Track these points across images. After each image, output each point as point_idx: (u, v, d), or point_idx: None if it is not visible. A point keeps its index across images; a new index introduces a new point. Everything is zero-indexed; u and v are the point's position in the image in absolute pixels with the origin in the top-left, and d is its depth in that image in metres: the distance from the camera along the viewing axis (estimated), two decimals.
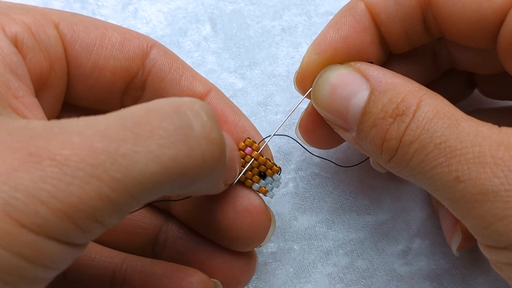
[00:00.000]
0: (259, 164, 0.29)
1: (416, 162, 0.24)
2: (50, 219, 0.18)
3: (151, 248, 0.30)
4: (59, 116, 0.28)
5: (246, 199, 0.28)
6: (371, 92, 0.25)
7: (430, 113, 0.24)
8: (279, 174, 0.29)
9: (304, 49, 0.39)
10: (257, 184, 0.28)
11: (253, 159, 0.28)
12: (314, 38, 0.38)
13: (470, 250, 0.35)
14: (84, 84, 0.27)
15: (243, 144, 0.28)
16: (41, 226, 0.17)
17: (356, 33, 0.28)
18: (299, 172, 0.36)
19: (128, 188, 0.19)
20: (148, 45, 0.28)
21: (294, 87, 0.30)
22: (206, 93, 0.29)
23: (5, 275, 0.17)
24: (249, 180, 0.28)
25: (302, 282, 0.34)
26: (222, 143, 0.22)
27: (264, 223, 0.28)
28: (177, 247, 0.30)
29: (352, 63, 0.27)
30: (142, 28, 0.39)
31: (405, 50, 0.29)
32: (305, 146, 0.32)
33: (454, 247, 0.32)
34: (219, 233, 0.28)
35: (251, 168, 0.28)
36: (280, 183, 0.30)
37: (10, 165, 0.18)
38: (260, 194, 0.29)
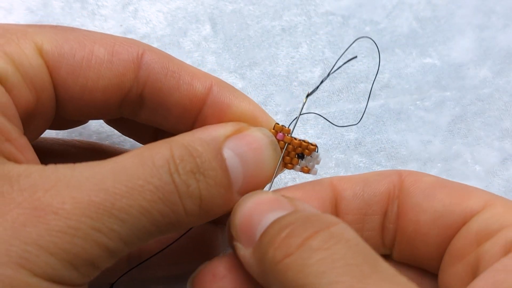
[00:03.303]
0: (295, 147, 0.28)
1: None
2: (59, 268, 0.20)
3: None
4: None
5: None
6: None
7: None
8: (316, 152, 0.29)
9: (304, 49, 0.39)
10: (298, 166, 0.28)
11: (287, 144, 0.28)
12: (314, 38, 0.38)
13: None
14: (75, 105, 0.27)
15: (273, 131, 0.28)
16: (51, 275, 0.19)
17: None
18: (299, 172, 0.36)
19: (123, 237, 0.21)
20: (139, 53, 0.26)
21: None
22: (207, 92, 0.28)
23: None
24: (289, 164, 0.28)
25: None
26: (200, 196, 0.23)
27: None
28: None
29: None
30: (142, 28, 0.39)
31: None
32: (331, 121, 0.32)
33: None
34: None
35: (287, 153, 0.28)
36: (320, 159, 0.29)
37: (17, 220, 0.19)
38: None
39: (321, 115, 0.32)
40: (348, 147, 0.37)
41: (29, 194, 0.20)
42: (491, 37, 0.40)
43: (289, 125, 0.28)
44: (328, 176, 0.36)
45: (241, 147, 0.25)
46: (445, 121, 0.38)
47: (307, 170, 0.29)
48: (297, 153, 0.28)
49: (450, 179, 0.36)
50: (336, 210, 0.27)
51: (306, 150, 0.28)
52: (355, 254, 0.19)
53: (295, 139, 0.28)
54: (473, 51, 0.40)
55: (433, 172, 0.37)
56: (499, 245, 0.22)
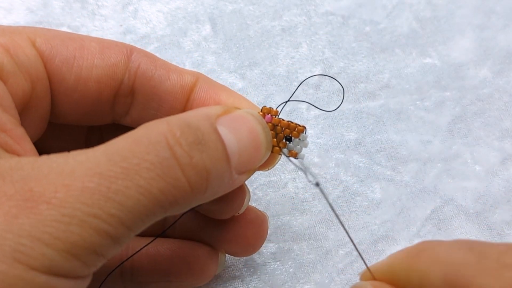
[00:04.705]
0: (282, 129, 0.28)
1: None
2: (57, 259, 0.19)
3: (161, 229, 0.31)
4: (46, 134, 0.28)
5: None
6: None
7: None
8: (305, 133, 0.28)
9: (304, 49, 0.39)
10: (285, 150, 0.28)
11: (275, 125, 0.27)
12: (314, 38, 0.38)
13: None
14: (70, 99, 0.27)
15: (261, 113, 0.27)
16: (49, 267, 0.19)
17: None
18: (299, 172, 0.36)
19: (123, 221, 0.20)
20: (127, 49, 0.28)
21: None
22: (195, 81, 0.29)
23: None
24: (277, 148, 0.28)
25: (302, 282, 0.34)
26: (205, 166, 0.22)
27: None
28: (187, 226, 0.30)
29: None
30: (142, 28, 0.39)
31: None
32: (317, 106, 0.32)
33: None
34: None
35: (275, 136, 0.28)
36: (308, 142, 0.29)
37: (9, 213, 0.19)
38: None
39: (312, 103, 0.32)
40: (348, 147, 0.37)
41: (20, 185, 0.19)
42: (491, 37, 0.40)
43: (277, 107, 0.28)
44: (328, 175, 0.36)
45: (234, 124, 0.25)
46: (445, 121, 0.38)
47: (295, 154, 0.28)
48: (285, 135, 0.28)
49: (450, 179, 0.36)
50: None
51: (294, 132, 0.28)
52: None
53: (283, 120, 0.28)
54: (473, 51, 0.40)
55: (433, 172, 0.37)
56: None
